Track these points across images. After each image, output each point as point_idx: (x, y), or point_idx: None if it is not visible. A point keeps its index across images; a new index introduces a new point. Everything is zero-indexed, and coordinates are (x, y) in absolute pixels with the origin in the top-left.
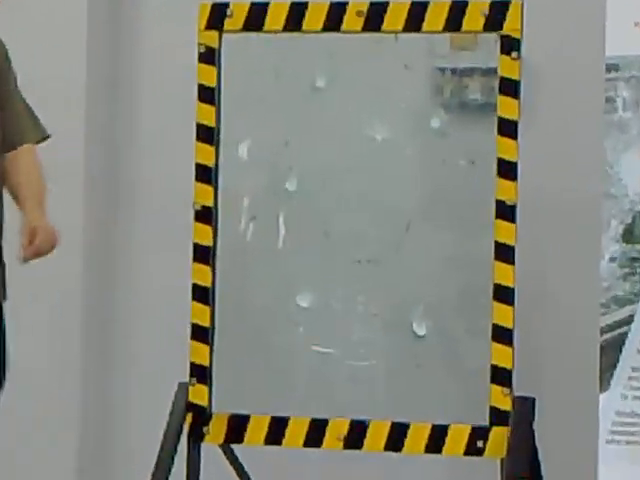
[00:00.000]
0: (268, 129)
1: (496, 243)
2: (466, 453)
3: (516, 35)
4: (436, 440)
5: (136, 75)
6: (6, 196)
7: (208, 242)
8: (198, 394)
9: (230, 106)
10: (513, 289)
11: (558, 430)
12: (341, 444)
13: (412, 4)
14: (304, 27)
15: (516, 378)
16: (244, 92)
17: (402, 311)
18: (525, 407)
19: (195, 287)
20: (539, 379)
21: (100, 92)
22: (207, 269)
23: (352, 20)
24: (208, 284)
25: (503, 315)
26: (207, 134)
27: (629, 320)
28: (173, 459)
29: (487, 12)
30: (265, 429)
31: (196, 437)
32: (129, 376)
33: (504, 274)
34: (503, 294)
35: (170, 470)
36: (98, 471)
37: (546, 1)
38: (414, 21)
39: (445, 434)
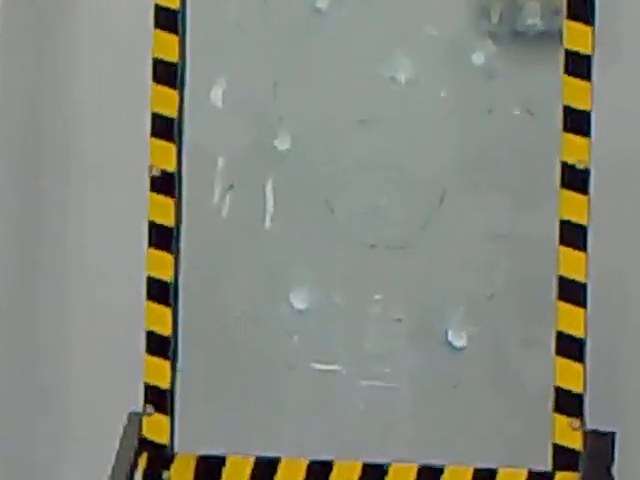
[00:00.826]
0: (250, 66)
1: (562, 222)
2: None
3: None
4: None
5: None
6: None
7: (169, 220)
8: (155, 427)
9: (199, 35)
10: (585, 285)
11: None
12: None
13: None
14: None
15: (589, 406)
16: (217, 15)
17: (434, 314)
18: (601, 445)
19: (151, 282)
20: (620, 407)
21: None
22: (168, 257)
23: None
24: (169, 278)
25: (571, 320)
26: (167, 73)
27: None
28: None
29: None
30: (247, 476)
31: None
32: (62, 404)
33: (573, 264)
34: (571, 291)
35: None
36: None
37: None
38: None
39: None
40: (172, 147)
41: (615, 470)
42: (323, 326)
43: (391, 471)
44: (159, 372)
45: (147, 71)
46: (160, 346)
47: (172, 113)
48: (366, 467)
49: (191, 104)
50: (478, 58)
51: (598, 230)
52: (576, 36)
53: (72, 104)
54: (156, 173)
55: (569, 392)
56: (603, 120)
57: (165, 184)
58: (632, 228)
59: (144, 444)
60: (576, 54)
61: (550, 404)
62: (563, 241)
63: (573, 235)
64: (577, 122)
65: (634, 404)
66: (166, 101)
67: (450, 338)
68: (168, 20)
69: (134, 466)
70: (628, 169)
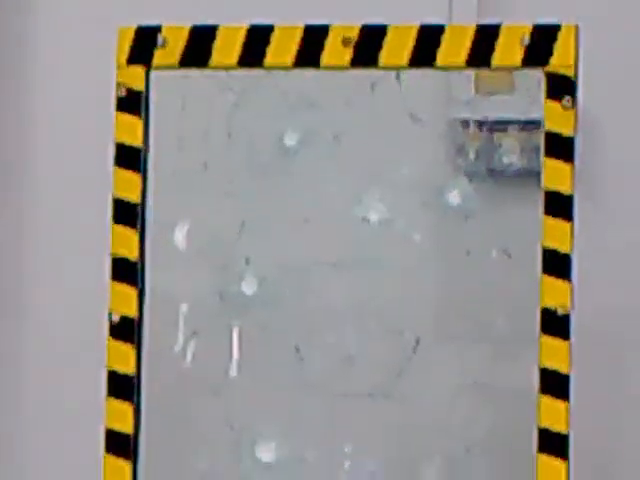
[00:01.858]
0: (215, 207)
1: (542, 370)
2: None
3: (568, 73)
4: None
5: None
6: None
7: (129, 369)
8: None
9: (161, 175)
10: (567, 437)
11: None
12: None
13: (421, 28)
14: (268, 61)
15: None
16: (181, 155)
17: (407, 468)
18: None
19: (109, 435)
20: None
21: None
22: (127, 408)
23: (336, 51)
24: (127, 429)
25: (553, 474)
26: (128, 214)
27: None
28: None
29: (528, 40)
30: None
31: None
32: (18, 447)
33: (554, 414)
34: (553, 443)
35: None
36: None
37: (611, 21)
38: (424, 52)
39: None
40: (133, 291)
41: None
42: None
43: None
44: None
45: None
46: None
47: (133, 257)
48: None
49: (153, 246)
50: (454, 198)
51: (582, 382)
52: (555, 174)
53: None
54: (115, 319)
55: None
56: (586, 264)
57: (124, 331)
58: (614, 377)
59: None
60: (556, 194)
61: None
62: (544, 390)
63: (555, 384)
64: (557, 265)
65: None
66: (127, 244)
67: None
68: (129, 158)
69: None
70: (611, 316)
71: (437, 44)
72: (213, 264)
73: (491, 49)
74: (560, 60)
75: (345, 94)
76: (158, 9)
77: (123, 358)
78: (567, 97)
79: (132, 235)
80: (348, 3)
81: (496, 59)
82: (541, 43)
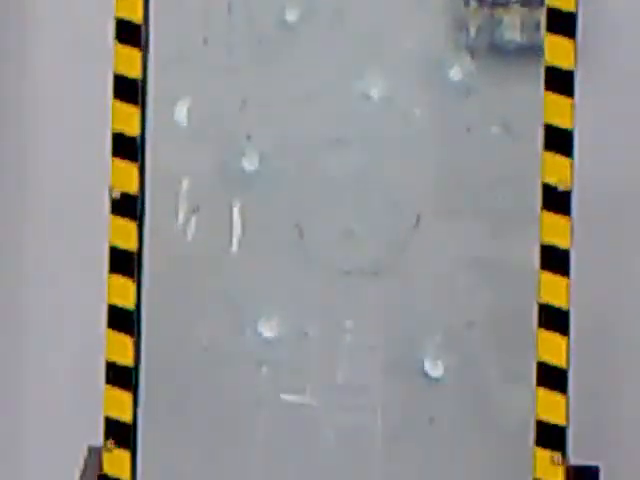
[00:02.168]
0: (216, 82)
1: (543, 246)
2: None
3: None
4: None
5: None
6: None
7: (131, 245)
8: (116, 463)
9: (163, 50)
10: (567, 312)
11: None
12: None
13: None
14: None
15: (573, 440)
16: (181, 30)
17: (409, 343)
18: None
19: (112, 310)
20: (605, 441)
21: None
22: (129, 283)
23: None
24: (130, 305)
25: (553, 349)
26: (128, 89)
27: None
28: None
29: None
30: None
31: None
32: (16, 437)
33: (555, 290)
34: (553, 319)
35: None
36: None
37: None
38: None
39: None
40: (133, 168)
41: None
42: (293, 356)
43: None
44: (120, 404)
45: (108, 87)
46: (121, 377)
47: (133, 132)
48: None
49: (154, 122)
50: (455, 74)
51: (581, 255)
52: (557, 50)
53: (28, 122)
54: (117, 195)
55: (551, 425)
56: (586, 139)
57: (126, 207)
58: (614, 252)
59: None
60: (557, 69)
61: (531, 438)
62: (544, 266)
63: (555, 260)
64: (558, 141)
65: (619, 437)
66: (127, 119)
67: (427, 368)
68: (130, 34)
69: None
70: (615, 192)
71: None
72: (214, 140)
73: None
74: None
75: None
76: None
77: (124, 234)
78: None
79: (133, 111)
80: None
81: None
82: None
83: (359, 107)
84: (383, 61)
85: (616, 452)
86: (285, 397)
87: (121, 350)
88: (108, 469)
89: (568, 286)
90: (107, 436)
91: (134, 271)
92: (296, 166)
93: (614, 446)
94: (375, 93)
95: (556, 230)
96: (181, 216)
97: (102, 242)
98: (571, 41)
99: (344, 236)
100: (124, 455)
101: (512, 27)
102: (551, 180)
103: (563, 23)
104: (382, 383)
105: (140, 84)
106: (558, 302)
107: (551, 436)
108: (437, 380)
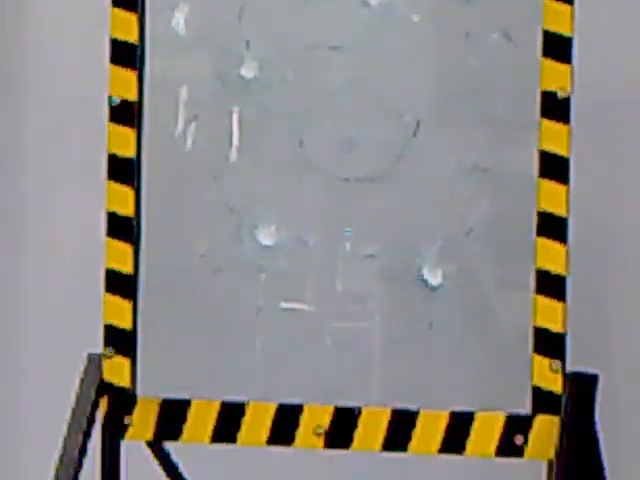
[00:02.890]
0: None
1: (542, 153)
2: (499, 453)
3: None
4: (456, 435)
5: None
6: None
7: (129, 152)
8: (117, 370)
9: None
10: (566, 219)
11: (630, 421)
12: (321, 441)
13: None
14: None
15: (571, 347)
16: None
17: (408, 251)
18: (583, 388)
19: (110, 216)
20: (604, 348)
21: None
22: (127, 191)
23: None
24: (129, 212)
25: (552, 256)
26: None
27: None
28: (81, 461)
29: None
30: (212, 420)
31: (114, 431)
32: (18, 346)
33: (553, 197)
34: (552, 226)
35: (77, 476)
36: None
37: None
38: None
39: (469, 426)
40: (132, 75)
41: (598, 414)
42: (292, 264)
43: (364, 414)
44: (120, 312)
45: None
46: (120, 284)
47: (132, 39)
48: (337, 411)
49: (152, 29)
50: None
51: (581, 163)
52: None
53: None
54: (115, 102)
55: (549, 332)
56: (586, 46)
57: (125, 114)
58: (615, 161)
59: (105, 387)
60: None
61: (530, 345)
62: (543, 173)
63: (553, 167)
64: (558, 48)
65: (619, 345)
66: (125, 26)
67: (425, 275)
68: None
69: (94, 410)
70: (620, 100)
71: None
72: (213, 48)
73: None
74: None
75: None
76: None
77: (123, 142)
78: None
79: (131, 18)
80: None
81: None
82: None
83: (358, 13)
84: None
85: (616, 359)
86: (284, 304)
87: (121, 258)
88: (108, 376)
89: (567, 193)
90: (107, 343)
91: (133, 178)
92: (295, 73)
93: (614, 353)
94: (374, 0)
95: (555, 137)
96: (180, 124)
97: (101, 150)
98: None
99: (343, 144)
100: (124, 362)
101: None
102: (550, 87)
103: None
104: (381, 291)
105: None
106: (557, 210)
107: (550, 343)
108: (436, 287)
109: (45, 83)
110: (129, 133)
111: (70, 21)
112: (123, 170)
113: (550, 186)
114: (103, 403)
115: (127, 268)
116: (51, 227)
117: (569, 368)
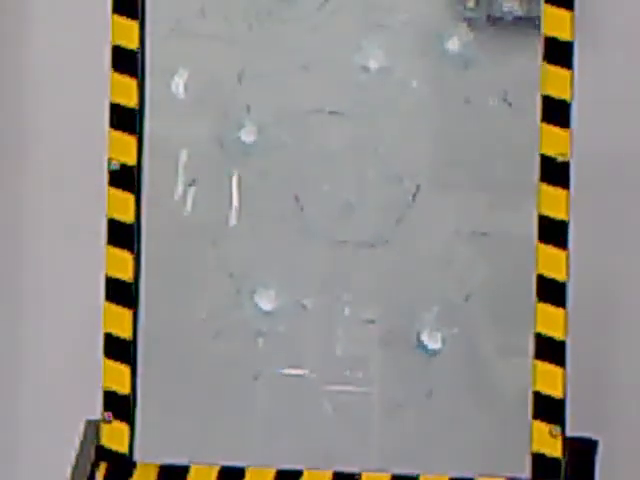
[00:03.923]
0: (214, 53)
1: (541, 217)
2: None
3: None
4: None
5: None
6: None
7: (129, 217)
8: (115, 436)
9: (160, 21)
10: (565, 284)
11: None
12: None
13: None
14: None
15: (571, 412)
16: (180, 2)
17: (407, 315)
18: (583, 453)
19: (110, 282)
20: (605, 414)
21: None
22: (127, 256)
23: None
24: (129, 277)
25: (551, 321)
26: (126, 60)
27: None
28: None
29: None
30: None
31: None
32: (13, 410)
33: (552, 262)
34: (551, 291)
35: None
36: None
37: None
38: None
39: None
40: (132, 140)
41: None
42: (290, 329)
43: None
44: (118, 377)
45: (106, 59)
46: (119, 349)
47: (131, 103)
48: (337, 476)
49: (152, 93)
50: (453, 45)
51: (580, 227)
52: (555, 22)
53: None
54: (115, 167)
55: (549, 397)
56: (585, 112)
57: (124, 179)
58: (614, 225)
59: (103, 453)
60: (556, 41)
61: (529, 410)
62: (542, 238)
63: (553, 231)
64: (557, 113)
65: (619, 410)
66: (125, 90)
67: (424, 340)
68: (127, 5)
69: (93, 476)
70: (613, 165)
71: None
72: (212, 112)
73: None
74: None
75: None
76: None
77: (123, 206)
78: None
79: (131, 82)
80: None
81: None
82: None
83: (357, 78)
84: (381, 32)
85: (615, 424)
86: (283, 369)
87: (119, 322)
88: (107, 442)
89: (567, 258)
90: (106, 408)
91: (133, 243)
92: (294, 138)
93: (613, 418)
94: (373, 64)
95: (554, 202)
96: (180, 188)
97: (101, 215)
98: (569, 12)
99: (343, 208)
100: (122, 427)
101: None
102: (549, 152)
103: None
104: (381, 355)
105: (138, 55)
106: (556, 274)
107: (549, 409)
108: (435, 352)
109: (46, 147)
110: (128, 198)
111: (69, 88)
112: (122, 235)
113: (549, 250)
114: (102, 469)
115: (126, 333)
116: (48, 291)
117: (569, 433)
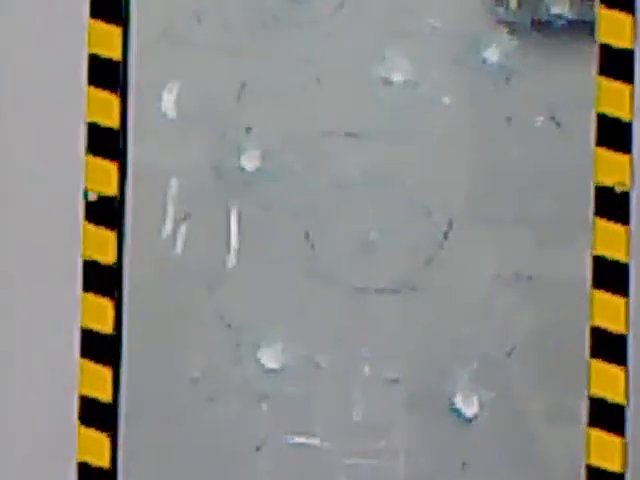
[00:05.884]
0: (210, 65)
1: (596, 258)
2: None
3: None
4: None
5: None
6: None
7: (108, 258)
8: None
9: (147, 28)
10: (625, 337)
11: None
12: None
13: None
14: None
15: None
16: (170, 3)
17: (438, 374)
18: None
19: (86, 335)
20: None
21: None
22: (107, 304)
23: None
24: (108, 329)
25: (608, 381)
26: (106, 74)
27: None
28: None
29: None
30: None
31: None
32: None
33: (610, 311)
34: (608, 345)
35: None
36: None
37: None
38: None
39: None
40: (113, 167)
41: None
42: (300, 390)
43: None
44: (96, 447)
45: (82, 71)
46: (97, 416)
47: (113, 124)
48: None
49: (137, 113)
50: (491, 54)
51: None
52: (613, 27)
53: None
54: (92, 198)
55: (606, 472)
56: None
57: (103, 212)
58: None
59: None
60: (613, 49)
61: None
62: (598, 282)
63: (610, 275)
64: (614, 134)
65: None
66: (105, 109)
67: (458, 405)
68: (107, 7)
69: None
70: None
71: None
72: (208, 134)
73: None
74: None
75: None
76: None
77: (101, 245)
78: None
79: (112, 99)
80: None
81: None
82: None
83: (379, 94)
84: (407, 39)
85: None
86: (291, 438)
87: (97, 383)
88: None
89: (626, 307)
90: None
91: (113, 289)
92: (304, 164)
93: None
94: (397, 77)
95: (612, 240)
96: (169, 224)
97: (75, 254)
98: (629, 16)
99: (361, 247)
100: None
101: (559, 0)
102: (606, 180)
103: None
104: (406, 422)
105: (120, 67)
106: (614, 326)
107: None
108: (471, 419)
109: (17, 179)
110: (108, 235)
111: (38, 105)
112: (101, 279)
113: (606, 298)
114: None
115: (105, 395)
116: (11, 345)
117: None
